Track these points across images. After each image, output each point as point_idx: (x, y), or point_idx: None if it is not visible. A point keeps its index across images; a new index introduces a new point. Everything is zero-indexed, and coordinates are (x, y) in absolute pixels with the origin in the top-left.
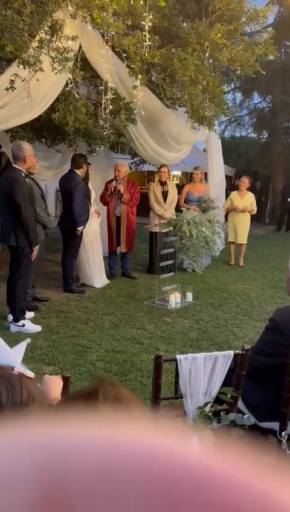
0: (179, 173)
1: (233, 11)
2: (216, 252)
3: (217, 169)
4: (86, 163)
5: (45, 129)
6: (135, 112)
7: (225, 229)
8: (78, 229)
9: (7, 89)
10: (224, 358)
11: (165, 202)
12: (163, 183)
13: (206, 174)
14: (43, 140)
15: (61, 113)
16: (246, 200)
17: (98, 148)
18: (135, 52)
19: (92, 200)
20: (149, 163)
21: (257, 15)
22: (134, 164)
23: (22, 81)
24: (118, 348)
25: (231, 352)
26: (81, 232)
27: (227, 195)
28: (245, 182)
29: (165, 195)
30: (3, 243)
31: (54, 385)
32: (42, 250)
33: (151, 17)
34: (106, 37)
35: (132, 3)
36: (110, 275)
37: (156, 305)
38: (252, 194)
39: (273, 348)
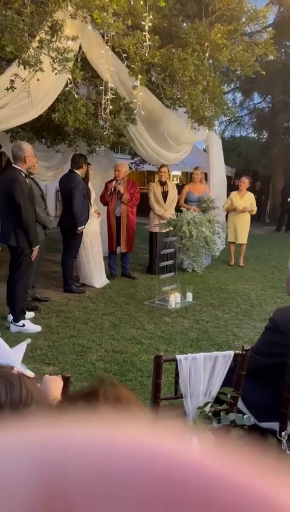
0: (179, 173)
1: (233, 11)
2: (216, 252)
3: (218, 170)
4: (86, 163)
5: (45, 129)
6: (135, 112)
7: (225, 229)
8: (79, 228)
9: (7, 89)
10: (224, 359)
11: (165, 202)
12: (163, 183)
13: (206, 174)
14: (43, 140)
15: (61, 113)
16: (246, 200)
17: (98, 148)
18: (135, 52)
19: (92, 200)
20: (149, 163)
21: (257, 15)
22: (134, 164)
23: (22, 81)
24: (118, 348)
25: (231, 352)
26: (81, 232)
27: (228, 195)
28: (245, 182)
29: (165, 195)
30: (3, 243)
31: (54, 385)
32: (42, 250)
33: (151, 17)
34: (106, 37)
35: (132, 3)
36: (110, 275)
37: (156, 305)
38: (252, 194)
39: (273, 348)
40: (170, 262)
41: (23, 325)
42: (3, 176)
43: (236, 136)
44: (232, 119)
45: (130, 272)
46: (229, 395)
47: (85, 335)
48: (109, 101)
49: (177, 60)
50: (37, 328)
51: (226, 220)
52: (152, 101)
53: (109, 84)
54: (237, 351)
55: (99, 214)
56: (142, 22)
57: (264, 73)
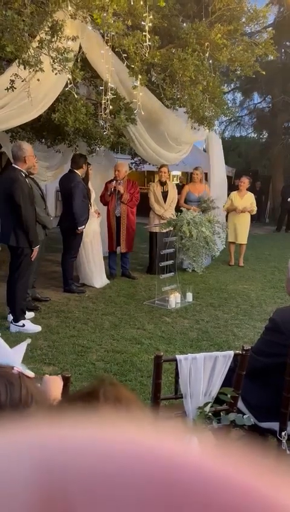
0: (179, 173)
1: (233, 11)
2: (216, 252)
3: (218, 170)
4: (86, 163)
5: (45, 129)
6: (135, 112)
7: (225, 229)
8: (79, 228)
9: (7, 89)
10: (224, 359)
11: (165, 202)
12: (163, 183)
13: (206, 174)
14: (43, 140)
15: (61, 113)
16: (246, 200)
17: (98, 148)
18: (135, 53)
19: (92, 200)
20: (149, 163)
21: (257, 15)
22: (134, 164)
23: (22, 81)
24: (118, 348)
25: (231, 353)
26: (81, 232)
27: (228, 195)
28: (245, 182)
29: (165, 195)
30: (3, 243)
31: (54, 385)
32: (42, 250)
33: (151, 17)
34: (106, 37)
35: (132, 3)
36: (110, 275)
37: (156, 305)
38: (252, 194)
39: (273, 348)
40: (170, 262)
41: (23, 325)
42: (3, 176)
43: (236, 136)
44: (232, 119)
45: (130, 271)
46: (229, 395)
47: (85, 335)
48: (109, 101)
49: (177, 60)
50: (37, 328)
51: (227, 220)
52: (152, 101)
53: (109, 84)
54: (237, 351)
55: (99, 214)
56: (142, 22)
57: (264, 73)
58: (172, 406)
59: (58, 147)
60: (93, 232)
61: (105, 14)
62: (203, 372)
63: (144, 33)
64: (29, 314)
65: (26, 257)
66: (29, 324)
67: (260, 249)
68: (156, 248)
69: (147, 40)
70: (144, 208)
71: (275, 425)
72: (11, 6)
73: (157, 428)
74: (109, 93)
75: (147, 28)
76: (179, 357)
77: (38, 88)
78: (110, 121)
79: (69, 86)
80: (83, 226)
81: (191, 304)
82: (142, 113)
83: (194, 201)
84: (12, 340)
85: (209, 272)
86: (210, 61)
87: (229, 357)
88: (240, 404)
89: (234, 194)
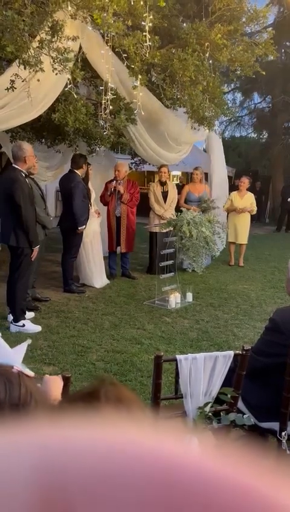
0: (179, 173)
1: (233, 12)
2: (216, 252)
3: (219, 170)
4: (86, 164)
5: (45, 129)
6: (135, 112)
7: (225, 229)
8: (80, 228)
9: (7, 89)
10: (224, 359)
11: (165, 202)
12: (163, 184)
13: (206, 174)
14: (43, 140)
15: (61, 113)
16: (246, 200)
17: (98, 148)
18: (135, 53)
19: (92, 200)
20: (149, 164)
21: (257, 15)
22: (134, 164)
23: (23, 81)
24: (118, 348)
25: (231, 353)
26: (81, 232)
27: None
28: (245, 182)
29: (165, 195)
30: (3, 243)
31: (55, 385)
32: (42, 250)
33: (151, 17)
34: (106, 38)
35: (132, 3)
36: (110, 275)
37: (156, 305)
38: (252, 194)
39: (273, 348)
40: (170, 262)
41: (23, 325)
42: (4, 176)
43: (236, 136)
44: (232, 119)
45: (130, 272)
46: (229, 395)
47: (85, 335)
48: (109, 101)
49: (177, 60)
50: (37, 328)
51: (227, 220)
52: (152, 101)
53: (109, 84)
54: (237, 351)
55: (99, 214)
56: (143, 22)
57: (264, 73)
58: (172, 406)
59: (58, 147)
60: (93, 232)
61: (105, 14)
62: (203, 372)
63: (144, 33)
64: (29, 314)
65: (26, 257)
66: (29, 324)
67: (260, 249)
68: (156, 248)
69: (147, 40)
70: (144, 208)
71: (275, 425)
72: (11, 7)
73: (158, 429)
74: (109, 93)
75: (147, 28)
76: (179, 357)
77: (38, 88)
78: (110, 121)
79: (69, 86)
80: (84, 226)
81: (191, 304)
82: (142, 113)
83: (194, 202)
84: (12, 340)
85: (209, 272)
86: (210, 62)
87: (229, 357)
88: (240, 404)
89: (234, 194)
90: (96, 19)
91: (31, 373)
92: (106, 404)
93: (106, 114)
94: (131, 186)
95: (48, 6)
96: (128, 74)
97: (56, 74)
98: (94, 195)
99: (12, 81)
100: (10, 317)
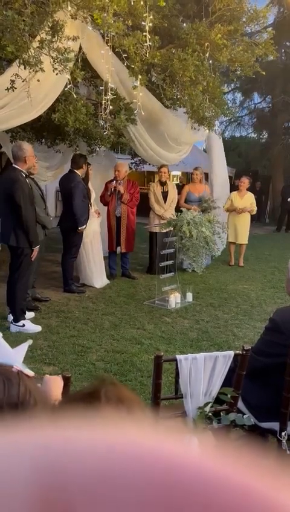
0: (179, 173)
1: (233, 12)
2: (217, 252)
3: (220, 170)
4: (86, 164)
5: (45, 129)
6: (135, 112)
7: (225, 229)
8: (80, 228)
9: (8, 89)
10: (224, 359)
11: (165, 202)
12: (163, 184)
13: (206, 174)
14: (43, 140)
15: (61, 113)
16: (246, 200)
17: (98, 149)
18: (135, 53)
19: (92, 200)
20: (149, 164)
21: (257, 15)
22: (134, 164)
23: (23, 81)
24: (118, 348)
25: (231, 353)
26: (82, 232)
27: None
28: (245, 182)
29: (165, 195)
30: (3, 243)
31: (55, 385)
32: (42, 250)
33: (151, 17)
34: (106, 38)
35: (132, 3)
36: (110, 275)
37: (156, 305)
38: (252, 194)
39: (273, 348)
40: (170, 262)
41: (23, 325)
42: (4, 176)
43: (236, 136)
44: (232, 119)
45: (130, 272)
46: (229, 395)
47: (85, 335)
48: (109, 101)
49: (177, 60)
50: (37, 328)
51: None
52: (152, 101)
53: (109, 84)
54: (237, 351)
55: (99, 214)
56: (143, 22)
57: (264, 73)
58: (172, 406)
59: (58, 147)
60: (94, 232)
61: (105, 15)
62: (203, 372)
63: (144, 33)
64: (29, 314)
65: (26, 257)
66: (29, 324)
67: (260, 249)
68: (156, 248)
69: (147, 40)
70: (144, 208)
71: (275, 425)
72: (11, 7)
73: (158, 429)
74: (109, 94)
75: (147, 28)
76: (179, 357)
77: (38, 88)
78: (110, 121)
79: (69, 86)
80: (84, 226)
81: (191, 304)
82: (142, 113)
83: (194, 202)
84: (12, 340)
85: (209, 272)
86: (210, 62)
87: (229, 357)
88: (240, 404)
89: (234, 194)
90: (96, 19)
91: (31, 373)
92: (106, 404)
93: (106, 114)
94: (131, 186)
95: (48, 6)
96: (128, 74)
97: (56, 74)
98: (94, 195)
99: (13, 81)
100: (10, 317)
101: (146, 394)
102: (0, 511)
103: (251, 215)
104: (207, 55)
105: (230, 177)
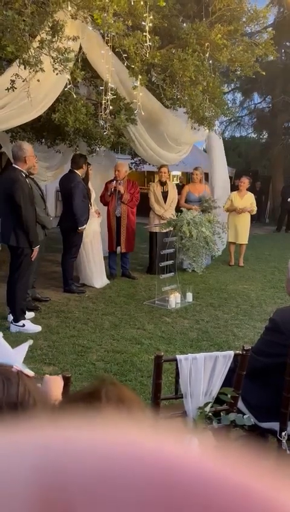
0: (179, 173)
1: (233, 12)
2: (217, 252)
3: (221, 170)
4: (86, 164)
5: (45, 129)
6: (135, 112)
7: (225, 229)
8: (80, 228)
9: (8, 89)
10: (224, 359)
11: (165, 202)
12: (163, 184)
13: (206, 174)
14: (43, 140)
15: (61, 113)
16: (246, 201)
17: (98, 149)
18: (135, 53)
19: (92, 200)
20: (149, 164)
21: (257, 15)
22: (134, 164)
23: (23, 81)
24: (118, 348)
25: (231, 353)
26: (82, 232)
27: None
28: (245, 182)
29: (165, 195)
30: (3, 243)
31: (55, 385)
32: (42, 251)
33: (151, 17)
34: (106, 38)
35: (132, 3)
36: (110, 275)
37: (156, 305)
38: (252, 194)
39: (273, 348)
40: (170, 262)
41: (23, 325)
42: (4, 176)
43: (236, 136)
44: (232, 119)
45: (130, 272)
46: (229, 395)
47: (85, 335)
48: (109, 101)
49: (177, 61)
50: (37, 328)
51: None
52: (152, 101)
53: (109, 84)
54: (237, 351)
55: (99, 214)
56: (143, 22)
57: (264, 73)
58: (172, 406)
59: (58, 147)
60: (94, 232)
61: (105, 15)
62: (203, 372)
63: (144, 33)
64: (29, 314)
65: (26, 257)
66: (29, 324)
67: (260, 249)
68: (156, 248)
69: (147, 41)
70: (144, 208)
71: (275, 425)
72: (11, 7)
73: (158, 429)
74: (109, 94)
75: (147, 28)
76: (179, 357)
77: (38, 88)
78: (110, 121)
79: (69, 86)
80: (84, 226)
81: (191, 304)
82: (142, 113)
83: (194, 202)
84: (12, 340)
85: (209, 272)
86: (210, 62)
87: (230, 357)
88: (240, 404)
89: (234, 194)
90: (96, 19)
91: (31, 373)
92: (106, 404)
93: (106, 114)
94: (131, 186)
95: (48, 6)
96: (129, 74)
97: (56, 74)
98: (94, 195)
99: (13, 81)
100: (10, 317)
101: (146, 394)
102: (1, 511)
103: (251, 215)
104: (207, 55)
105: (230, 177)
